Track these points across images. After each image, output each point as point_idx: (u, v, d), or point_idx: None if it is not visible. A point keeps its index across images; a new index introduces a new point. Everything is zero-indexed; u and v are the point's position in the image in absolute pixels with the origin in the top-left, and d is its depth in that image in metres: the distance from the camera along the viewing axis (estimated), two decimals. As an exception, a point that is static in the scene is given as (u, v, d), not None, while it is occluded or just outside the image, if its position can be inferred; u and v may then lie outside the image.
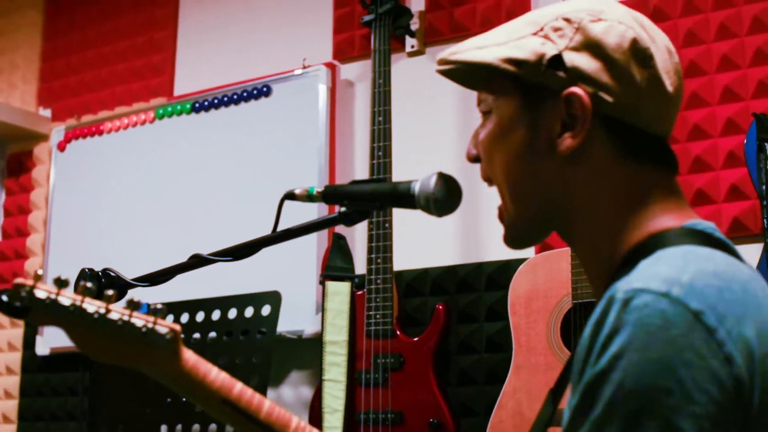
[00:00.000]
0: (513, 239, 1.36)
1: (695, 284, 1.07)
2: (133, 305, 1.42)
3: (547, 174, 1.28)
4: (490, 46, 1.31)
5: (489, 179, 1.37)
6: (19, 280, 1.37)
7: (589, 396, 1.06)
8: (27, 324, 4.45)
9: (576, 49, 1.26)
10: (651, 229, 1.24)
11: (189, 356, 1.47)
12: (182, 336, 1.46)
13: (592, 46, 1.25)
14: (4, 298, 1.34)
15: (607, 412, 1.04)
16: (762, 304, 1.12)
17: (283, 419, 1.52)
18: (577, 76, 1.25)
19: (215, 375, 1.49)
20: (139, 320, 1.41)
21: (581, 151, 1.26)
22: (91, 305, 1.38)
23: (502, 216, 1.37)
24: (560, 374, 1.39)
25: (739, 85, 3.03)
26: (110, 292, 1.41)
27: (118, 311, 1.40)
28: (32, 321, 1.37)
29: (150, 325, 1.42)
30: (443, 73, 1.37)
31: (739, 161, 2.95)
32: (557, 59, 1.26)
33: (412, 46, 3.61)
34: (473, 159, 1.38)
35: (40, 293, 1.36)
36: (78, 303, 1.38)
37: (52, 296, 1.36)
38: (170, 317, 3.23)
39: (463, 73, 1.36)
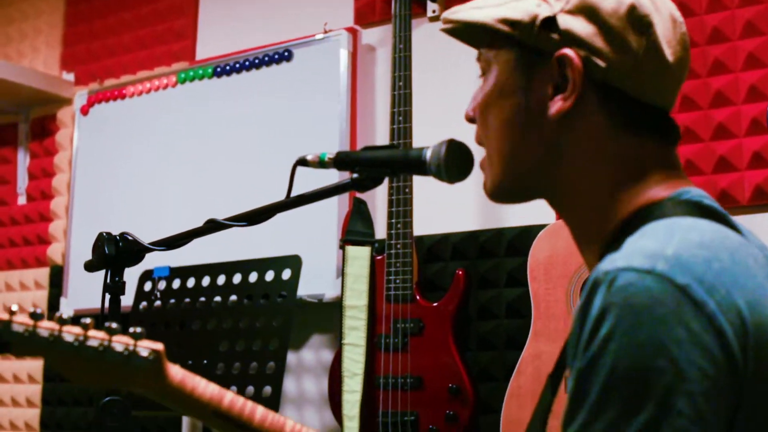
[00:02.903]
0: (495, 195, 1.36)
1: (680, 257, 1.06)
2: (112, 330, 1.42)
3: (539, 137, 1.28)
4: (488, 7, 1.32)
5: (480, 142, 1.37)
6: None
7: (584, 383, 1.05)
8: (51, 285, 4.49)
9: (571, 12, 1.25)
10: (640, 202, 1.23)
11: (175, 372, 1.47)
12: (165, 353, 1.45)
13: (587, 10, 1.25)
14: None
15: (602, 397, 1.03)
16: (752, 272, 1.10)
17: (277, 425, 1.52)
18: (570, 39, 1.25)
19: (203, 388, 1.49)
20: (119, 344, 1.41)
21: (573, 116, 1.25)
22: (69, 334, 1.39)
23: (484, 167, 1.37)
24: (557, 359, 1.39)
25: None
26: (87, 320, 1.41)
27: (97, 337, 1.40)
28: (14, 354, 1.38)
29: (131, 348, 1.42)
30: (446, 32, 1.39)
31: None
32: (551, 21, 1.26)
33: (434, 11, 3.60)
34: (470, 120, 1.39)
35: (17, 327, 1.36)
36: (56, 333, 1.38)
37: (30, 329, 1.36)
38: (192, 280, 3.26)
39: (464, 32, 1.37)
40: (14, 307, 1.37)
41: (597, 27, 1.24)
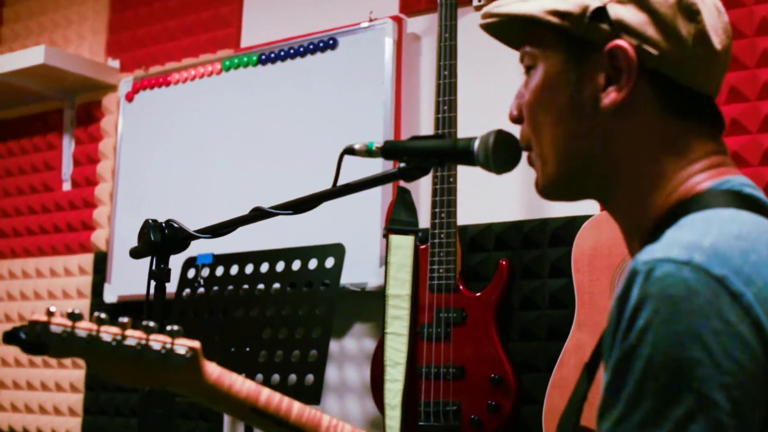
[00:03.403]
0: (548, 193, 1.36)
1: (718, 248, 1.06)
2: (149, 329, 1.42)
3: (592, 129, 1.28)
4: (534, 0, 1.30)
5: (527, 144, 1.36)
6: (33, 317, 1.37)
7: (620, 373, 1.05)
8: (95, 272, 4.52)
9: (621, 1, 1.25)
10: (682, 192, 1.23)
11: (212, 370, 1.47)
12: (202, 351, 1.45)
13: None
14: (23, 335, 1.36)
15: (638, 388, 1.03)
16: None
17: (314, 420, 1.52)
18: (622, 28, 1.24)
19: (240, 385, 1.49)
20: (156, 343, 1.41)
21: (626, 105, 1.25)
22: (107, 334, 1.39)
23: (532, 162, 1.36)
24: (594, 349, 1.39)
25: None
26: (125, 319, 1.41)
27: (134, 337, 1.40)
28: (53, 355, 1.38)
29: (168, 347, 1.42)
30: (486, 28, 1.37)
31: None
32: (601, 11, 1.25)
33: (479, 0, 3.58)
34: (515, 120, 1.38)
35: (55, 328, 1.36)
36: (94, 333, 1.38)
37: (68, 330, 1.37)
38: (235, 268, 3.27)
39: (506, 28, 1.36)
40: (52, 309, 1.37)
41: (648, 15, 1.23)
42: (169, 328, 1.43)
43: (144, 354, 1.40)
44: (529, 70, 1.34)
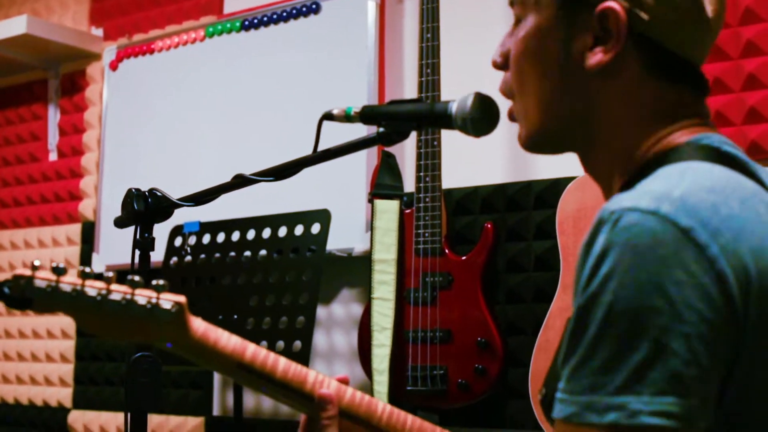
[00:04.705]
0: (530, 143, 1.36)
1: (687, 200, 1.07)
2: (134, 284, 1.41)
3: (576, 87, 1.28)
4: None
5: (510, 92, 1.36)
6: (17, 272, 1.37)
7: (582, 319, 1.06)
8: (83, 241, 4.52)
9: None
10: (660, 147, 1.23)
11: (198, 325, 1.46)
12: (187, 305, 1.45)
13: None
14: (6, 290, 1.35)
15: (598, 334, 1.04)
16: (763, 220, 1.10)
17: (300, 375, 1.52)
18: None
19: (226, 340, 1.48)
20: (141, 297, 1.41)
21: (611, 67, 1.25)
22: (92, 288, 1.38)
23: (513, 116, 1.36)
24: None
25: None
26: (110, 273, 1.40)
27: (119, 291, 1.39)
28: (37, 310, 1.37)
29: (154, 301, 1.41)
30: None
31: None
32: None
33: (462, -38, 3.57)
34: (498, 66, 1.38)
35: (40, 282, 1.36)
36: (78, 288, 1.38)
37: (52, 284, 1.36)
38: (221, 235, 3.28)
39: None
40: (36, 263, 1.37)
41: None
42: (154, 282, 1.43)
43: (129, 308, 1.40)
44: (518, 20, 1.34)
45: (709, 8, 1.25)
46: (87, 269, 1.39)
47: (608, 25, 1.24)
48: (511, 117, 1.38)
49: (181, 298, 1.43)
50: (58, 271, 1.37)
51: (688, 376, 1.01)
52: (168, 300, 1.41)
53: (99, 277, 1.39)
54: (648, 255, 1.03)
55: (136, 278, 1.41)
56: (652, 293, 1.02)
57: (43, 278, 1.36)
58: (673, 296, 1.02)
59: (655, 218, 1.05)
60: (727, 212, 1.07)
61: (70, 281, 1.37)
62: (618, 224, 1.05)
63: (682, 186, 1.09)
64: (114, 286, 1.40)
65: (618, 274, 1.04)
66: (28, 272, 1.36)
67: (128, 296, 1.40)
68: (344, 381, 1.56)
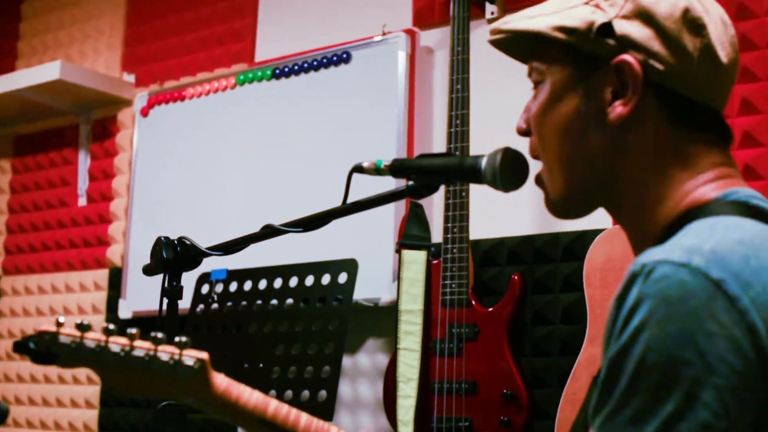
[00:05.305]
0: (559, 210, 1.38)
1: (718, 252, 1.07)
2: (157, 340, 1.42)
3: (598, 143, 1.29)
4: (541, 15, 1.32)
5: (536, 155, 1.37)
6: (42, 328, 1.38)
7: (614, 371, 1.07)
8: (110, 287, 4.53)
9: (626, 17, 1.26)
10: (689, 202, 1.24)
11: (220, 381, 1.47)
12: (210, 363, 1.46)
13: (642, 15, 1.25)
14: (32, 345, 1.36)
15: (630, 385, 1.05)
16: None
17: (322, 431, 1.52)
18: (628, 43, 1.25)
19: (248, 396, 1.49)
20: (164, 354, 1.42)
21: (632, 119, 1.26)
22: (116, 344, 1.40)
23: (540, 182, 1.37)
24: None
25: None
26: (133, 330, 1.41)
27: (143, 348, 1.41)
28: (62, 365, 1.39)
29: (177, 357, 1.42)
30: (495, 44, 1.39)
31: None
32: (607, 27, 1.26)
33: (492, 13, 3.58)
34: (523, 133, 1.39)
35: (64, 339, 1.37)
36: (102, 343, 1.39)
37: (77, 340, 1.37)
38: (248, 283, 3.28)
39: (515, 44, 1.37)
40: (61, 319, 1.38)
41: (654, 31, 1.25)
42: (177, 339, 1.44)
43: (152, 364, 1.41)
44: (537, 85, 1.36)
45: (722, 53, 1.27)
46: (111, 326, 1.40)
47: (624, 78, 1.25)
48: (538, 181, 1.39)
49: (204, 355, 1.43)
50: (83, 328, 1.38)
51: (718, 429, 1.01)
52: (191, 356, 1.42)
53: (122, 333, 1.40)
54: (679, 307, 1.04)
55: (159, 335, 1.41)
56: (683, 345, 1.02)
57: (68, 334, 1.37)
58: (705, 348, 1.02)
59: (686, 270, 1.05)
60: (757, 264, 1.07)
61: (94, 338, 1.39)
62: (650, 277, 1.06)
63: (713, 239, 1.09)
64: (137, 343, 1.41)
65: (650, 326, 1.04)
66: (52, 328, 1.37)
67: (151, 353, 1.40)
68: None
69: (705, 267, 1.05)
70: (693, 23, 1.25)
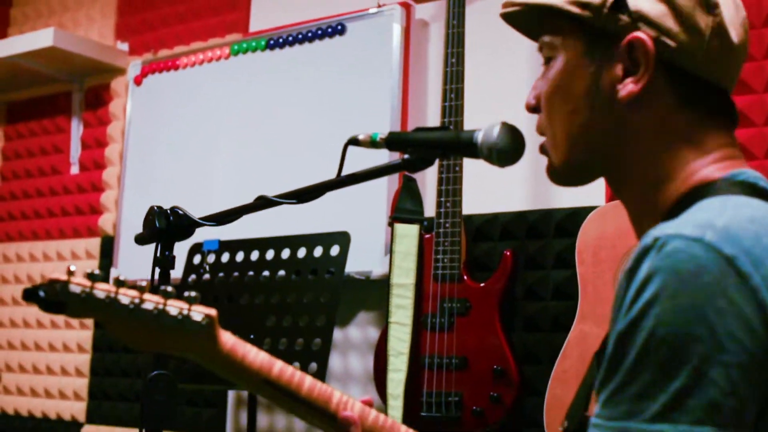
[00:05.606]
0: (560, 176, 1.37)
1: (730, 229, 1.07)
2: (167, 294, 1.42)
3: (608, 120, 1.29)
4: None
5: (542, 132, 1.37)
6: (53, 275, 1.38)
7: (622, 344, 1.06)
8: (102, 256, 4.53)
9: None
10: (696, 180, 1.24)
11: (227, 339, 1.47)
12: (218, 319, 1.45)
13: None
14: (41, 294, 1.36)
15: (639, 359, 1.04)
16: None
17: (325, 395, 1.53)
18: (641, 19, 1.24)
19: (254, 356, 1.49)
20: (173, 308, 1.42)
21: (642, 97, 1.26)
22: (125, 296, 1.39)
23: (545, 150, 1.37)
24: (604, 338, 1.39)
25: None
26: (143, 282, 1.41)
27: (152, 300, 1.40)
28: (70, 314, 1.38)
29: (185, 312, 1.42)
30: (506, 17, 1.38)
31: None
32: (621, 2, 1.26)
33: (488, -12, 3.57)
34: (532, 109, 1.39)
35: (75, 288, 1.36)
36: (112, 295, 1.38)
37: (87, 290, 1.37)
38: (240, 254, 3.27)
39: (526, 17, 1.36)
40: (72, 268, 1.38)
41: (668, 7, 1.24)
42: (186, 294, 1.44)
43: (161, 318, 1.41)
44: (548, 60, 1.36)
45: (734, 33, 1.27)
46: (122, 277, 1.40)
47: (636, 55, 1.25)
48: (542, 150, 1.39)
49: (212, 311, 1.44)
50: (93, 278, 1.38)
51: (726, 407, 1.01)
52: (199, 312, 1.43)
53: (133, 286, 1.40)
54: (691, 282, 1.03)
55: (169, 289, 1.41)
56: (694, 321, 1.02)
57: (78, 283, 1.37)
58: (715, 325, 1.02)
59: (699, 245, 1.05)
60: None
61: (104, 288, 1.38)
62: (662, 250, 1.06)
63: (725, 216, 1.09)
64: (147, 296, 1.41)
65: (661, 300, 1.04)
66: (63, 277, 1.37)
67: (160, 306, 1.41)
68: (368, 403, 1.57)
69: (718, 243, 1.05)
70: (707, 1, 1.25)
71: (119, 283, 1.40)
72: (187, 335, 1.43)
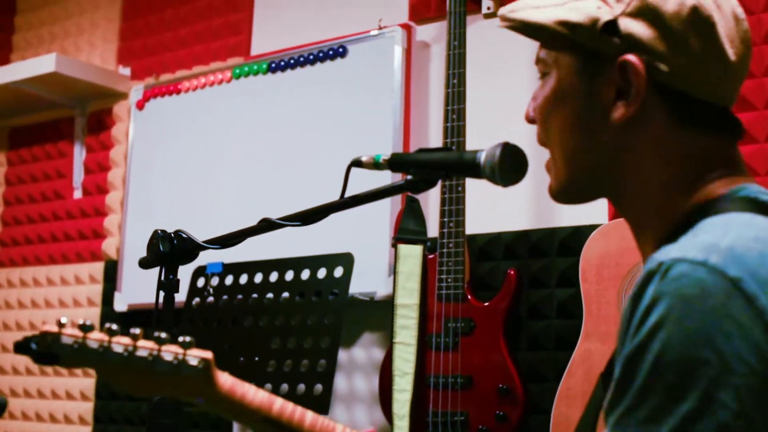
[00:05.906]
0: (559, 196, 1.37)
1: (735, 250, 1.06)
2: (161, 340, 1.42)
3: (601, 141, 1.28)
4: (548, 7, 1.30)
5: (544, 143, 1.37)
6: (44, 328, 1.38)
7: (630, 369, 1.06)
8: (106, 280, 4.53)
9: (632, 15, 1.24)
10: (698, 198, 1.23)
11: (225, 380, 1.47)
12: (214, 362, 1.45)
13: (648, 13, 1.23)
14: (33, 346, 1.36)
15: (646, 384, 1.04)
16: None
17: (327, 429, 1.53)
18: (632, 43, 1.23)
19: (253, 395, 1.49)
20: (168, 354, 1.42)
21: (637, 119, 1.25)
22: (118, 345, 1.39)
23: (550, 168, 1.37)
24: (610, 357, 1.39)
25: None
26: (137, 330, 1.41)
27: (146, 347, 1.40)
28: (63, 365, 1.39)
29: (180, 357, 1.42)
30: (507, 27, 1.38)
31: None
32: (612, 24, 1.24)
33: (488, 8, 3.58)
34: (531, 120, 1.38)
35: (67, 339, 1.37)
36: (105, 344, 1.39)
37: (79, 341, 1.37)
38: (244, 277, 3.27)
39: (523, 31, 1.36)
40: (63, 320, 1.38)
41: (659, 31, 1.23)
42: (181, 339, 1.43)
43: (156, 365, 1.41)
44: (544, 75, 1.35)
45: (731, 51, 1.25)
46: (114, 326, 1.40)
47: (628, 78, 1.24)
48: (548, 167, 1.39)
49: (208, 354, 1.43)
50: (85, 329, 1.38)
51: (736, 429, 1.00)
52: (195, 356, 1.42)
53: (125, 333, 1.40)
54: (697, 306, 1.03)
55: (163, 335, 1.41)
56: (701, 344, 1.01)
57: (70, 335, 1.37)
58: (722, 348, 1.01)
59: (703, 269, 1.04)
60: None
61: (96, 338, 1.38)
62: (667, 275, 1.05)
63: (729, 237, 1.08)
64: (140, 343, 1.40)
65: (667, 324, 1.03)
66: (55, 329, 1.37)
67: (155, 352, 1.40)
68: None
69: (722, 265, 1.04)
70: (701, 22, 1.23)
71: (111, 332, 1.40)
72: (184, 380, 1.43)
